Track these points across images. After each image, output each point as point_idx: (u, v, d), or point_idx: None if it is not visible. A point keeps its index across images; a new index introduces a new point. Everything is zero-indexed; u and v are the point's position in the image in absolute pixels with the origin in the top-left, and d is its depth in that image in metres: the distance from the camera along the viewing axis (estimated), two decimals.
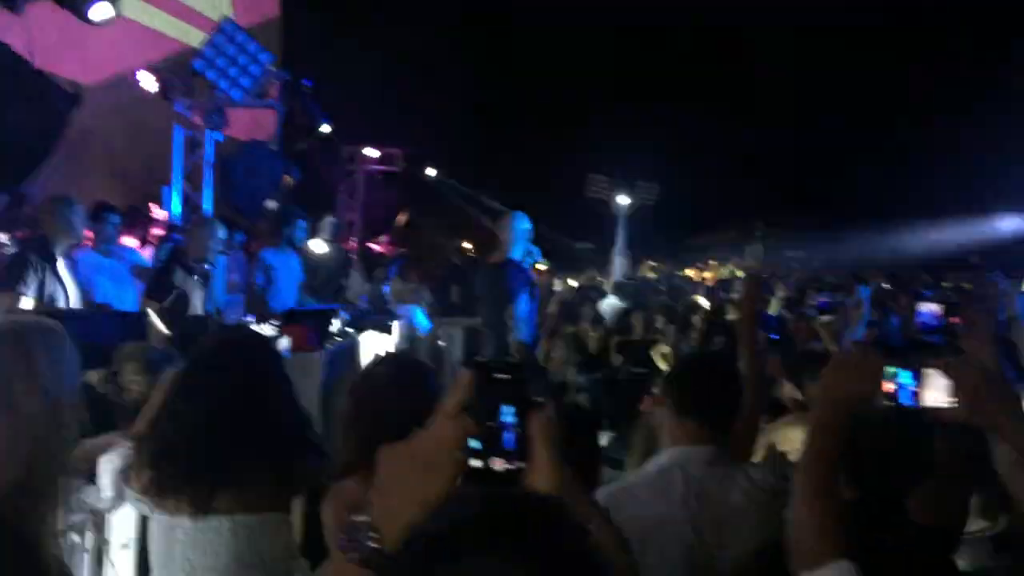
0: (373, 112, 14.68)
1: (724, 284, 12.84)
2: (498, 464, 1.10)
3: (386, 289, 7.34)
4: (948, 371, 1.69)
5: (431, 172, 15.04)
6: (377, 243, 13.66)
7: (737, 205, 20.39)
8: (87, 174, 12.78)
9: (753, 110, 20.80)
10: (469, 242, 14.47)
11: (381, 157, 14.78)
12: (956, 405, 1.67)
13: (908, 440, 2.02)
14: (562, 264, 14.88)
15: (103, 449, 2.97)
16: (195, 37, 10.74)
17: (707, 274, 17.80)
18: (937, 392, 1.70)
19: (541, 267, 10.80)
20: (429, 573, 0.87)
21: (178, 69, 9.18)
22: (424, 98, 15.76)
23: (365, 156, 14.69)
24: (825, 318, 6.44)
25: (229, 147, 9.58)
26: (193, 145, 9.21)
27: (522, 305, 6.11)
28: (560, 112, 17.92)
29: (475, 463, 1.09)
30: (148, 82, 9.03)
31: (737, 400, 2.63)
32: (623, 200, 18.04)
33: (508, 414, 1.09)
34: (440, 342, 8.50)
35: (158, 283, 6.74)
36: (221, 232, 7.22)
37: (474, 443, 1.08)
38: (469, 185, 14.89)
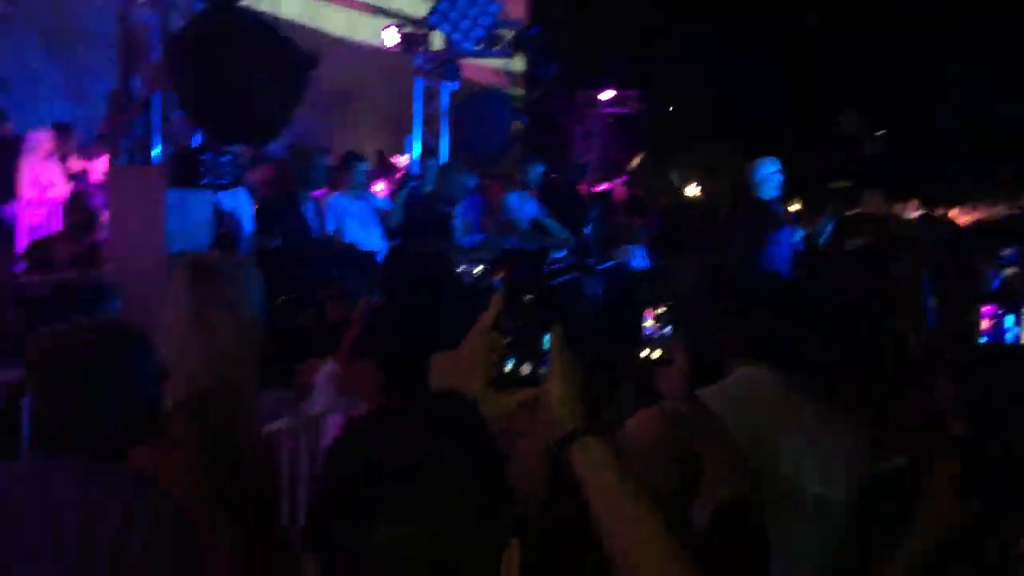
0: (609, 55, 14.76)
1: None
2: (525, 369, 1.36)
3: (587, 230, 7.58)
4: None
5: (668, 112, 14.93)
6: (613, 184, 13.86)
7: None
8: (343, 124, 13.96)
9: None
10: (706, 184, 14.31)
11: (617, 99, 14.87)
12: None
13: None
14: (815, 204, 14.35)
15: (319, 366, 3.50)
16: None
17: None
18: None
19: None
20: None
21: (418, 24, 9.81)
22: (661, 38, 15.60)
23: (600, 99, 14.84)
24: None
25: (464, 96, 10.14)
26: (431, 96, 9.85)
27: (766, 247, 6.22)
28: (805, 46, 17.06)
29: (507, 368, 1.35)
30: (391, 37, 9.73)
31: None
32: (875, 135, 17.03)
33: (533, 329, 1.35)
34: (660, 280, 8.64)
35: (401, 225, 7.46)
36: (468, 180, 7.80)
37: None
38: (709, 125, 14.66)
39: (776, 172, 6.40)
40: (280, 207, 6.30)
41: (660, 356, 1.95)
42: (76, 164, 8.47)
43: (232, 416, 2.28)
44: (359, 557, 1.02)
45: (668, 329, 1.95)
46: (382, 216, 7.50)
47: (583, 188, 13.36)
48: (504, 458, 1.13)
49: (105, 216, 6.60)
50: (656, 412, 2.02)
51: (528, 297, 1.41)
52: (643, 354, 1.96)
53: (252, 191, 7.61)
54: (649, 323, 1.94)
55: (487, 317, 1.37)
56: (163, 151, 5.82)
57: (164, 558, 1.69)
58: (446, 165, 8.26)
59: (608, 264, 7.49)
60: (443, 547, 1.01)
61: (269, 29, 5.64)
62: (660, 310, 1.95)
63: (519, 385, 1.35)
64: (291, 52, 5.60)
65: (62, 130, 8.59)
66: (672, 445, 1.96)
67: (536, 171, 8.29)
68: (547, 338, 1.35)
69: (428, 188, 8.14)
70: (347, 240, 7.08)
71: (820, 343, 2.63)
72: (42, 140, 8.10)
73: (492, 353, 1.36)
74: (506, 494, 1.10)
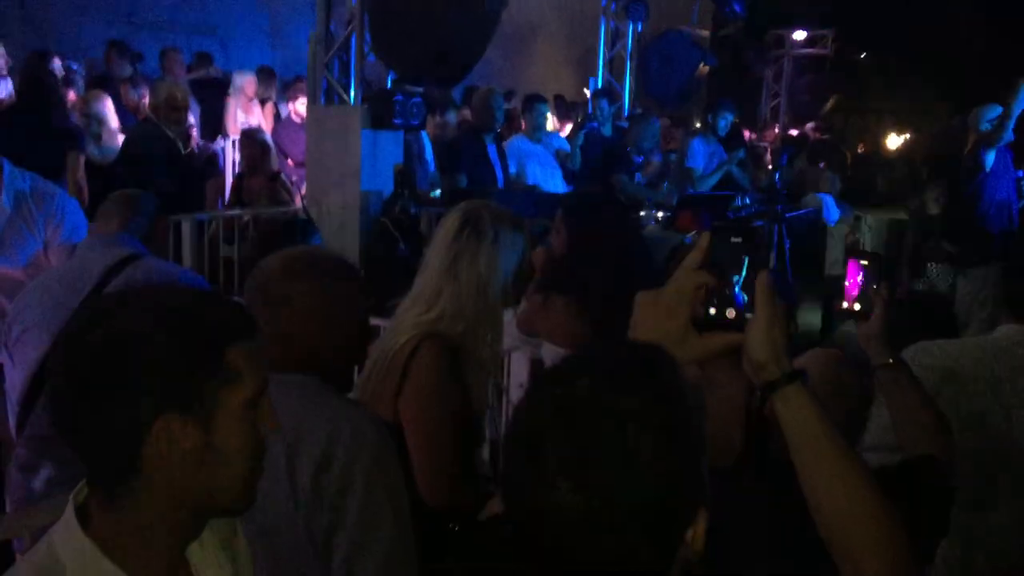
0: None
1: None
2: (730, 313, 1.32)
3: (776, 177, 7.29)
4: None
5: (863, 55, 14.07)
6: (804, 129, 13.28)
7: None
8: (529, 65, 14.00)
9: None
10: (901, 130, 13.47)
11: (809, 40, 14.15)
12: None
13: None
14: None
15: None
16: None
17: None
18: None
19: None
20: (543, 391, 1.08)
21: None
22: None
23: (792, 40, 14.17)
24: None
25: (650, 36, 9.92)
26: (616, 36, 9.69)
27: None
28: None
29: (711, 310, 1.32)
30: None
31: None
32: None
33: (741, 272, 1.31)
34: (852, 234, 8.27)
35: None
36: (655, 127, 7.69)
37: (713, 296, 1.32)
38: (909, 70, 13.70)
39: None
40: (464, 147, 6.41)
41: (860, 309, 1.87)
42: (273, 104, 8.95)
43: (470, 356, 2.36)
44: (544, 513, 1.01)
45: (864, 280, 1.87)
46: (562, 158, 7.51)
47: (772, 133, 12.88)
48: (700, 412, 1.10)
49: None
50: (829, 353, 1.99)
51: (736, 239, 1.34)
52: (844, 305, 1.89)
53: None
54: (855, 276, 1.87)
55: (694, 256, 1.34)
56: (359, 92, 6.01)
57: (368, 477, 1.73)
58: (638, 115, 8.14)
59: (797, 212, 7.22)
60: (626, 506, 1.00)
61: None
62: (863, 261, 1.87)
63: (723, 329, 1.31)
64: None
65: (264, 73, 9.06)
66: (847, 382, 1.95)
67: (726, 119, 8.05)
68: (744, 278, 1.31)
69: (607, 130, 8.08)
70: (529, 182, 7.15)
71: None
72: (246, 82, 8.58)
73: (697, 293, 1.33)
74: (698, 453, 1.06)
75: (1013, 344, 2.40)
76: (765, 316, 1.27)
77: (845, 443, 1.25)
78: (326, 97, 6.10)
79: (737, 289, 1.31)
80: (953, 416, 2.00)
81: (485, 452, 2.95)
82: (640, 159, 7.50)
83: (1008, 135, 5.82)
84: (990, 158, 5.90)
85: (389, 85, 6.25)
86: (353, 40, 5.97)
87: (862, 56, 13.79)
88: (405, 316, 2.34)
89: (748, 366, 1.28)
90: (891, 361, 1.90)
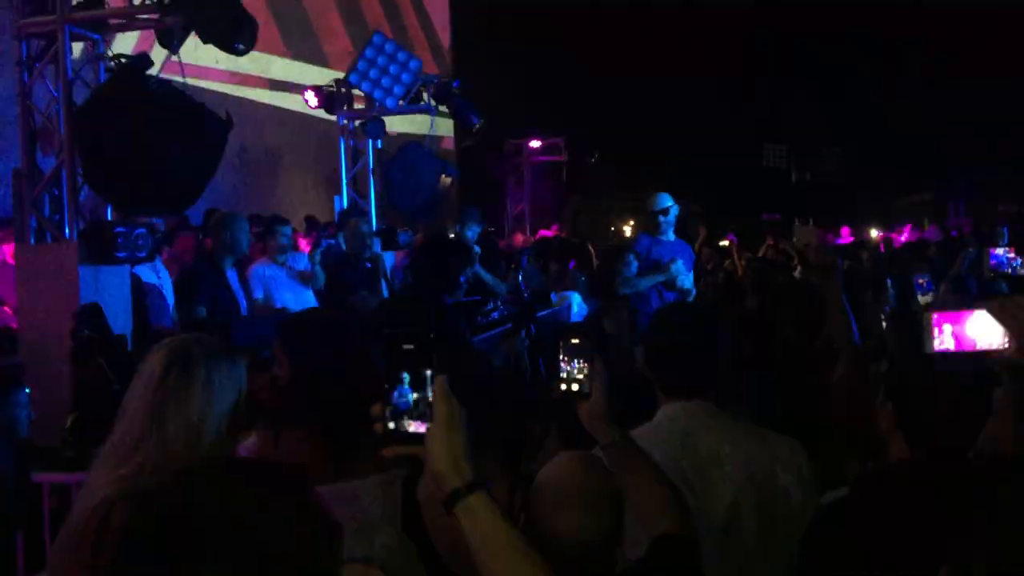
0: (533, 104, 14.89)
1: None
2: (412, 426, 1.22)
3: (520, 278, 7.50)
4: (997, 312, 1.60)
5: (593, 158, 15.09)
6: (547, 232, 13.89)
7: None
8: (278, 188, 13.80)
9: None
10: (634, 225, 14.41)
11: (544, 147, 14.98)
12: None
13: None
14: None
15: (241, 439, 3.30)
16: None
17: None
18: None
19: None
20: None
21: (340, 84, 9.72)
22: (581, 84, 15.80)
23: (530, 147, 14.94)
24: None
25: (390, 151, 10.05)
26: (356, 154, 9.74)
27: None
28: (723, 84, 17.41)
29: (390, 425, 1.22)
30: (312, 100, 9.64)
31: None
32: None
33: (407, 381, 1.21)
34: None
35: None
36: (365, 226, 7.65)
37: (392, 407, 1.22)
38: (632, 168, 14.83)
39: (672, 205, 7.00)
40: (201, 276, 6.09)
41: (578, 390, 1.83)
42: None
43: None
44: None
45: (578, 363, 1.84)
46: (306, 279, 7.34)
47: (519, 238, 13.34)
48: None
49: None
50: (574, 456, 1.92)
51: (407, 347, 1.26)
52: (561, 388, 1.84)
53: (175, 262, 7.40)
54: (563, 356, 1.83)
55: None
56: (74, 228, 5.57)
57: None
58: (350, 220, 8.12)
59: (545, 312, 7.38)
60: None
61: (178, 95, 5.46)
62: (573, 341, 1.84)
63: (409, 442, 1.22)
64: (204, 116, 5.43)
65: None
66: (595, 487, 1.85)
67: (473, 230, 8.23)
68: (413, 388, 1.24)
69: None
70: (277, 306, 6.89)
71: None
72: None
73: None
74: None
75: (673, 422, 2.41)
76: (443, 422, 1.22)
77: (529, 548, 1.22)
78: (36, 236, 5.60)
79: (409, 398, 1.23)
80: None
81: None
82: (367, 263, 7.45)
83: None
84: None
85: (109, 216, 5.84)
86: (64, 173, 5.55)
87: (592, 159, 14.73)
88: (99, 472, 2.05)
89: (429, 479, 1.23)
90: (618, 439, 1.86)
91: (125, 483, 2.02)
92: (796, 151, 17.75)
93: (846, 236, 15.88)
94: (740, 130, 17.50)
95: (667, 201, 7.05)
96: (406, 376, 1.22)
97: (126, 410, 2.14)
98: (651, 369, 2.49)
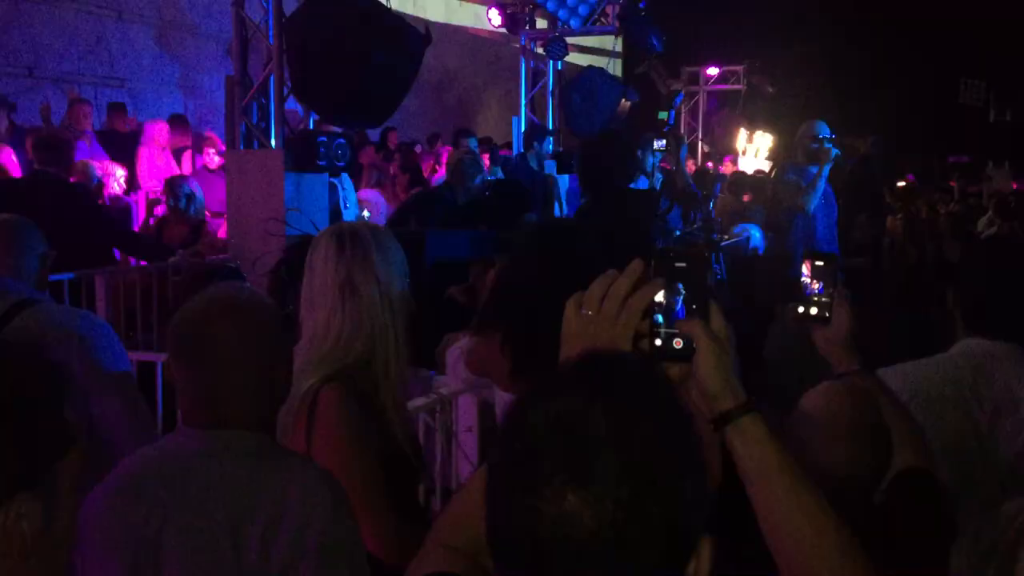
0: (715, 29, 14.38)
1: None
2: (677, 343, 1.20)
3: (711, 206, 7.32)
4: None
5: (771, 88, 14.43)
6: (719, 163, 13.51)
7: None
8: (447, 110, 13.96)
9: None
10: None
11: (722, 75, 14.50)
12: None
13: None
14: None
15: (452, 343, 3.38)
16: None
17: None
18: None
19: None
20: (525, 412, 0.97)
21: (522, 3, 9.65)
22: (765, 11, 15.10)
23: (706, 75, 14.50)
24: None
25: (570, 74, 9.95)
26: (537, 75, 9.69)
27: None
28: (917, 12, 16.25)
29: (657, 341, 1.19)
30: (495, 18, 9.62)
31: None
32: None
33: (679, 295, 1.18)
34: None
35: None
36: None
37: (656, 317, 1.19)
38: (811, 98, 14.12)
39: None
40: (442, 199, 6.04)
41: (818, 313, 1.75)
42: (190, 153, 8.66)
43: (379, 387, 2.20)
44: (550, 538, 0.91)
45: (821, 286, 1.75)
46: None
47: (690, 167, 13.04)
48: (693, 424, 1.00)
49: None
50: (840, 386, 1.84)
51: (680, 264, 1.21)
52: (800, 310, 1.76)
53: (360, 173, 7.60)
54: (806, 277, 1.74)
55: (620, 285, 1.20)
56: (280, 135, 5.80)
57: (321, 537, 1.62)
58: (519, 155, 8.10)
59: (727, 242, 7.22)
60: (642, 520, 0.90)
61: (381, 8, 5.55)
62: (819, 262, 1.75)
63: (671, 360, 1.19)
64: (404, 30, 5.51)
65: (177, 121, 8.77)
66: (870, 422, 1.79)
67: (656, 156, 8.07)
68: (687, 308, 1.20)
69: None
70: None
71: None
72: (158, 131, 8.29)
73: (635, 325, 1.19)
74: (703, 469, 0.97)
75: (973, 358, 2.32)
76: (712, 345, 1.18)
77: (805, 475, 1.18)
78: (245, 142, 5.87)
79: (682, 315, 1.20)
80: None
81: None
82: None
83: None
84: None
85: (311, 126, 6.04)
86: (272, 82, 5.76)
87: (772, 89, 14.13)
88: (299, 360, 2.09)
89: (700, 397, 1.19)
90: (857, 368, 1.79)
91: (327, 366, 2.11)
92: (997, 88, 16.47)
93: None
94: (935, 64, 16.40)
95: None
96: (680, 293, 1.19)
97: (312, 296, 2.19)
98: (959, 303, 2.40)
